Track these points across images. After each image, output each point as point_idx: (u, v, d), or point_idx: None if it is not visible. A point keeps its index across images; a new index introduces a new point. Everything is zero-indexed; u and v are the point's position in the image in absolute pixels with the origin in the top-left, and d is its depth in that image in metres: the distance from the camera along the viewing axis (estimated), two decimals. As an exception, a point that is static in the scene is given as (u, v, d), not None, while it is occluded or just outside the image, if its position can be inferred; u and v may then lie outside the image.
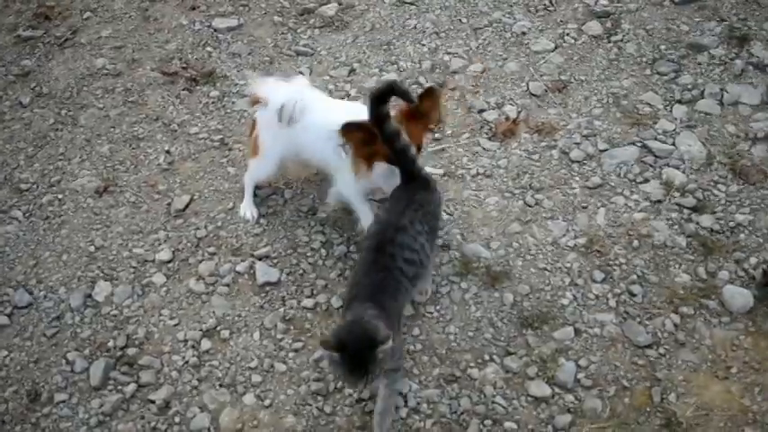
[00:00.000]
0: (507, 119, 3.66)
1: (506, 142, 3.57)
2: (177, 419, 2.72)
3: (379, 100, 2.47)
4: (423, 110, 2.70)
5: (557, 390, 2.62)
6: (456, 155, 3.54)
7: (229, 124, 3.92)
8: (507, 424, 2.55)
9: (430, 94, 2.73)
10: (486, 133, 3.64)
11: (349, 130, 2.65)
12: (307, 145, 3.01)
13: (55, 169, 3.85)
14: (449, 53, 4.12)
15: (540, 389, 2.62)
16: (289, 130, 2.95)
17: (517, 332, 2.80)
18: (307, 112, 2.93)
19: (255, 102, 3.09)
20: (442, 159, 3.51)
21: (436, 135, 3.64)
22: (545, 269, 2.99)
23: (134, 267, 3.28)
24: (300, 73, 3.47)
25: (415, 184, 2.64)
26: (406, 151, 2.57)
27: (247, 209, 3.35)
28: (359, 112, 2.69)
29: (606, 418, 2.54)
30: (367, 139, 2.66)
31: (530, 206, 3.25)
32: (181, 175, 3.68)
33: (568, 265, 2.99)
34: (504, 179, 3.39)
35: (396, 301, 2.45)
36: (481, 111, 3.75)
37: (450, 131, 3.67)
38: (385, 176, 2.82)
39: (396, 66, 4.05)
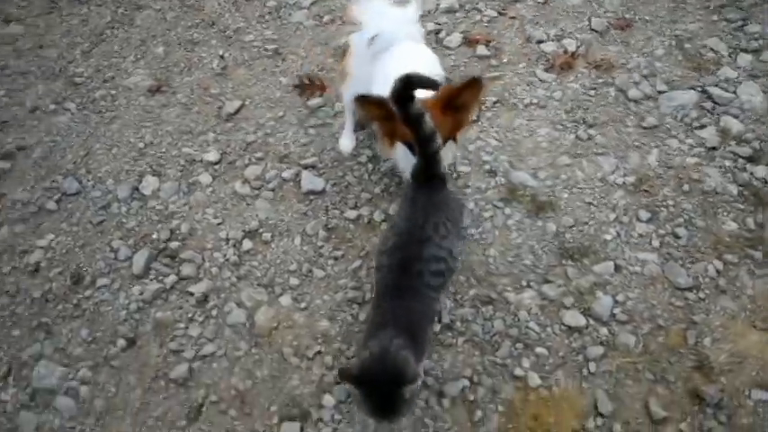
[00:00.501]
0: (566, 52, 3.59)
1: (563, 75, 3.50)
2: (214, 313, 2.78)
3: (401, 99, 2.08)
4: (461, 101, 2.32)
5: (591, 321, 2.62)
6: (510, 83, 3.49)
7: (284, 35, 3.90)
8: (539, 349, 2.55)
9: (473, 84, 2.30)
10: (543, 64, 3.58)
11: (363, 102, 2.33)
12: (375, 85, 2.62)
13: (109, 66, 3.88)
14: (511, -19, 4.02)
15: (574, 319, 2.62)
16: (371, 63, 2.74)
17: (557, 262, 2.78)
18: (388, 51, 2.71)
19: (350, 22, 2.91)
20: (497, 87, 3.45)
21: (492, 62, 3.58)
22: (591, 204, 2.95)
23: (182, 166, 3.32)
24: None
25: (432, 183, 2.30)
26: (429, 141, 2.17)
27: (346, 138, 3.23)
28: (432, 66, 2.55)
29: (638, 353, 2.53)
30: (385, 115, 2.30)
31: (581, 140, 3.20)
32: (233, 81, 3.69)
33: (615, 201, 2.95)
34: (558, 111, 3.34)
35: (426, 323, 2.19)
36: (540, 42, 3.68)
37: (506, 59, 3.61)
38: (406, 158, 2.47)
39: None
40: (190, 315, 2.79)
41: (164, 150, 3.40)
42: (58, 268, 3.03)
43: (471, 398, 2.46)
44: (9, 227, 3.20)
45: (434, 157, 2.23)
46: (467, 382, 2.49)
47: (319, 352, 2.62)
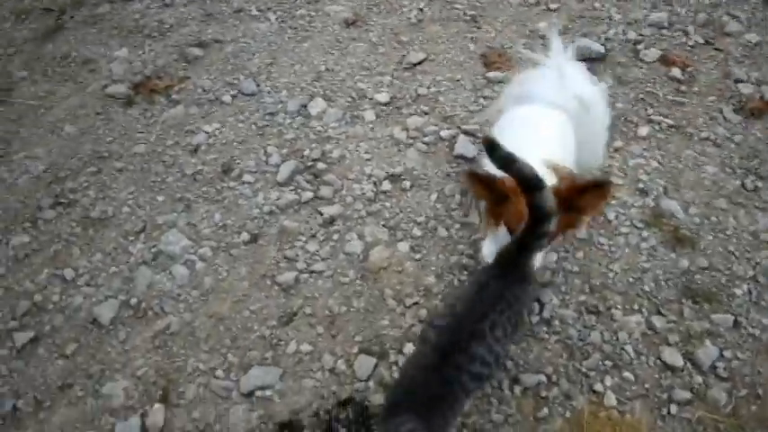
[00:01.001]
0: (762, 98, 3.42)
1: (750, 120, 3.35)
2: (335, 237, 2.95)
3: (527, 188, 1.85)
4: (581, 203, 2.07)
5: (689, 366, 2.56)
6: (693, 112, 3.38)
7: (487, 5, 3.97)
8: (626, 373, 2.53)
9: (600, 188, 2.06)
10: (734, 104, 3.43)
11: (471, 178, 2.12)
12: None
13: (318, -10, 4.11)
14: (729, 14, 3.85)
15: (673, 357, 2.56)
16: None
17: (676, 298, 2.72)
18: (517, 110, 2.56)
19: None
20: (677, 111, 3.36)
21: (682, 87, 3.48)
22: (732, 253, 2.85)
23: (351, 98, 3.50)
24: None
25: (512, 275, 2.06)
26: (540, 236, 1.93)
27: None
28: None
29: (725, 413, 2.45)
30: (494, 197, 2.12)
31: (746, 189, 3.07)
32: (424, 35, 3.81)
33: (758, 260, 2.83)
34: (732, 154, 3.21)
35: (447, 420, 2.00)
36: (738, 81, 3.53)
37: (697, 89, 3.50)
38: (499, 243, 2.20)
39: (670, 6, 3.87)
40: (313, 232, 2.97)
41: (340, 79, 3.58)
42: (213, 155, 3.31)
43: (543, 394, 2.48)
44: (185, 107, 3.53)
45: (532, 251, 2.03)
46: (544, 379, 2.51)
47: (417, 303, 2.73)
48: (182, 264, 2.97)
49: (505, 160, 1.79)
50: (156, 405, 2.57)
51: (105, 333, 2.81)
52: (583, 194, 2.05)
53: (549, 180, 2.01)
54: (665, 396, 2.48)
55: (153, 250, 3.04)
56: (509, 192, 2.04)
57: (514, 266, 2.06)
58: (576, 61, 2.59)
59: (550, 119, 2.46)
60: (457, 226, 2.95)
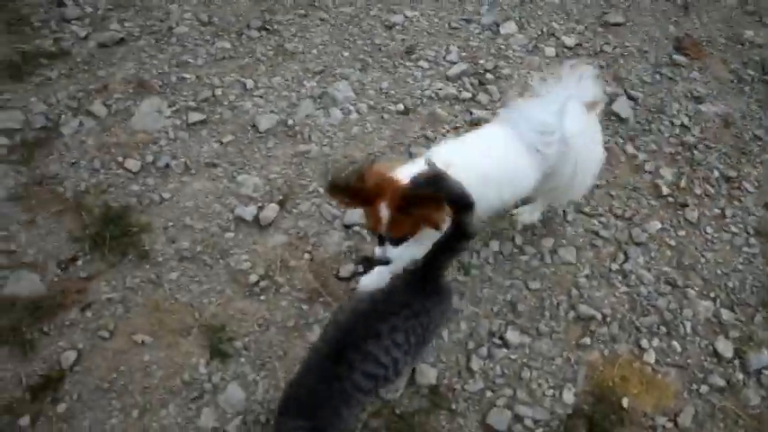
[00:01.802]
0: None
1: None
2: (475, 135, 3.24)
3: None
4: (420, 213, 2.07)
5: (736, 362, 2.68)
6: None
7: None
8: (675, 343, 2.70)
9: (435, 203, 2.01)
10: None
11: (332, 191, 2.12)
12: None
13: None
14: None
15: (725, 348, 2.69)
16: None
17: (754, 304, 2.84)
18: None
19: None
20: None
21: None
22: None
23: (542, 32, 3.74)
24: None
25: (425, 287, 2.05)
26: (457, 252, 2.01)
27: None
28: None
29: (750, 414, 2.55)
30: (359, 202, 2.16)
31: None
32: (632, 2, 3.93)
33: None
34: None
35: (339, 416, 1.97)
36: None
37: None
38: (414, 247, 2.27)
39: None
40: (458, 125, 3.29)
41: (539, 13, 3.83)
42: (403, 36, 3.75)
43: (592, 328, 2.70)
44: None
45: (445, 265, 2.05)
46: (599, 317, 2.72)
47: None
48: (340, 109, 3.38)
49: (435, 179, 1.82)
50: (273, 204, 3.01)
51: (258, 137, 3.28)
52: (419, 205, 2.04)
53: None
54: (701, 376, 2.63)
55: (322, 90, 3.46)
56: (369, 197, 2.09)
57: (430, 278, 2.05)
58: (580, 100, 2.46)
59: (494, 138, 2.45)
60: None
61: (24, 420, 2.48)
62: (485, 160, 2.33)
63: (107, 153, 3.25)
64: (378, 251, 2.28)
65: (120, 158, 3.22)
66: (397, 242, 2.22)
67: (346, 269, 2.80)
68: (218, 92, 3.49)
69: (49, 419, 2.49)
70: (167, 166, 3.19)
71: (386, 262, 2.33)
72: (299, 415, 1.93)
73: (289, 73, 3.59)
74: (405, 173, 2.10)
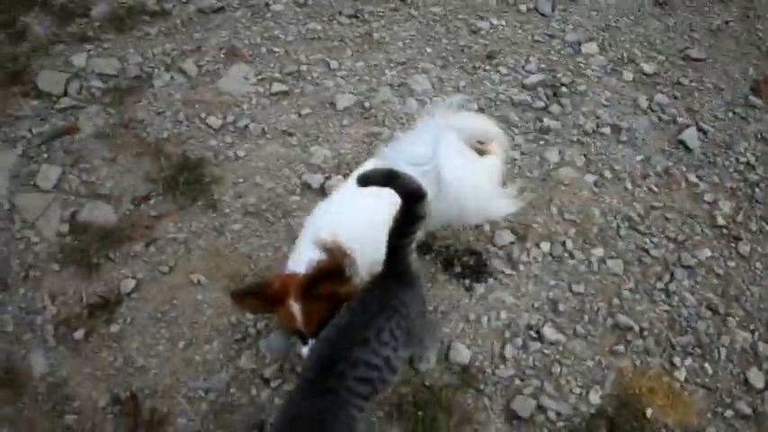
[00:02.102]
0: None
1: None
2: (542, 143, 3.34)
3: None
4: (324, 291, 2.08)
5: (766, 393, 2.70)
6: None
7: (790, 45, 4.04)
8: (707, 365, 2.72)
9: (333, 273, 2.07)
10: None
11: (239, 299, 2.16)
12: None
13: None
14: None
15: (756, 379, 2.70)
16: None
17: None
18: None
19: None
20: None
21: None
22: None
23: (622, 56, 3.84)
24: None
25: (396, 281, 2.05)
26: (408, 235, 1.96)
27: None
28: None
29: (774, 450, 2.60)
30: (266, 306, 2.15)
31: None
32: (717, 41, 4.01)
33: None
34: None
35: (340, 425, 1.94)
36: None
37: None
38: None
39: None
40: (527, 131, 3.39)
41: (622, 38, 3.92)
42: (486, 41, 3.92)
43: (628, 338, 2.76)
44: (490, -5, 4.04)
45: (403, 250, 2.00)
46: (636, 329, 2.78)
47: (572, 216, 3.07)
48: (416, 99, 3.53)
49: (388, 176, 1.81)
50: (340, 176, 3.17)
51: (334, 114, 3.46)
52: (319, 283, 2.05)
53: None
54: (728, 400, 2.66)
55: (401, 80, 3.62)
56: (276, 297, 2.09)
57: (396, 271, 2.05)
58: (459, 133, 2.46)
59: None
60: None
61: (79, 334, 2.68)
62: (363, 214, 2.27)
63: (191, 108, 3.46)
64: (305, 351, 2.17)
65: (203, 115, 3.43)
66: (317, 334, 2.09)
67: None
68: (303, 68, 3.68)
69: (101, 336, 2.68)
70: (246, 127, 3.38)
71: None
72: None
73: (372, 60, 3.76)
74: (300, 264, 2.12)
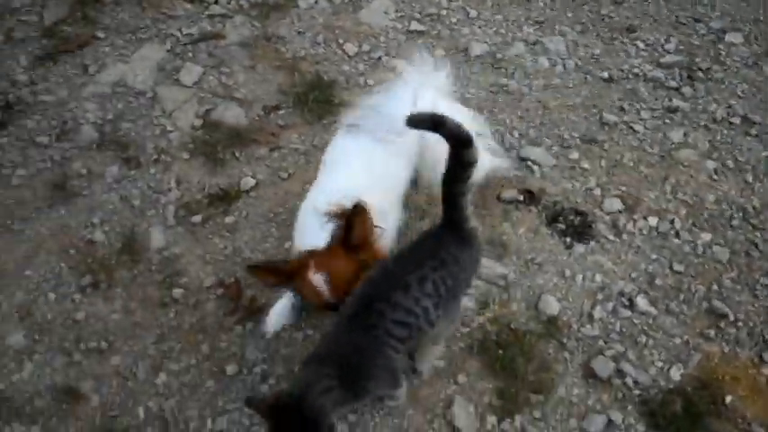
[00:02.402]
0: None
1: None
2: (668, 121, 3.30)
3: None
4: (356, 238, 2.04)
5: None
6: None
7: None
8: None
9: (357, 213, 2.01)
10: None
11: (254, 271, 2.13)
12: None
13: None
14: None
15: None
16: None
17: None
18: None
19: None
20: None
21: None
22: None
23: None
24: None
25: (452, 234, 2.04)
26: (464, 181, 1.93)
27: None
28: None
29: None
30: (280, 280, 2.11)
31: None
32: None
33: None
34: None
35: (373, 368, 2.01)
36: None
37: None
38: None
39: None
40: (655, 107, 3.37)
41: None
42: (631, 15, 3.75)
43: (721, 325, 2.74)
44: None
45: (460, 206, 1.99)
46: (732, 317, 2.75)
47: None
48: (548, 59, 3.55)
49: (435, 122, 1.80)
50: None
51: (465, 60, 3.61)
52: (350, 230, 2.01)
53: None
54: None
55: (537, 38, 3.65)
56: (294, 271, 2.05)
57: (453, 227, 2.04)
58: (444, 90, 2.47)
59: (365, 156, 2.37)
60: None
61: (197, 218, 2.89)
62: (361, 171, 2.32)
63: (331, 33, 3.60)
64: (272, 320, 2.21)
65: (341, 41, 3.56)
66: (343, 300, 2.05)
67: (509, 193, 2.98)
68: (443, 12, 3.75)
69: (216, 225, 2.87)
70: (379, 59, 3.48)
71: None
72: (326, 363, 1.93)
73: (511, 15, 3.79)
74: (307, 239, 2.13)
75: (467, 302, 2.71)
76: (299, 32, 3.60)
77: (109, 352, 2.65)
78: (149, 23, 3.67)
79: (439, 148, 2.10)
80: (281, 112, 3.28)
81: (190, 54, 3.50)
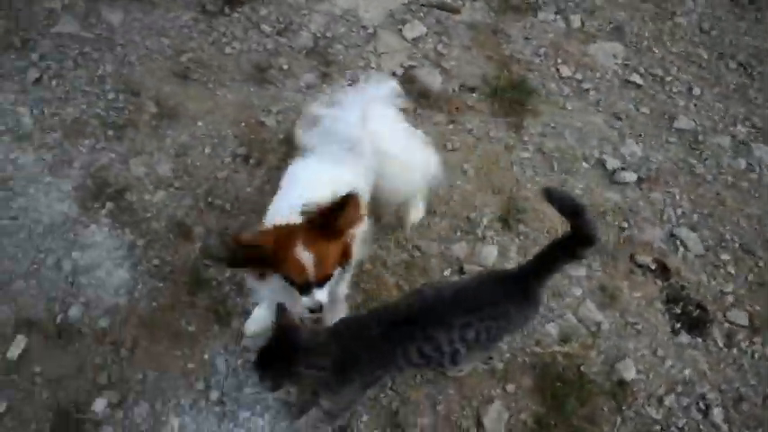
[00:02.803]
0: None
1: None
2: None
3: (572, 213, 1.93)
4: (341, 223, 1.98)
5: None
6: None
7: None
8: None
9: (348, 201, 1.95)
10: None
11: (241, 242, 2.01)
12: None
13: None
14: None
15: None
16: None
17: None
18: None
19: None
20: None
21: None
22: None
23: None
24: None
25: (521, 288, 2.06)
26: (564, 263, 2.04)
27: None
28: None
29: None
30: (259, 257, 1.99)
31: None
32: None
33: None
34: None
35: (370, 370, 2.08)
36: None
37: None
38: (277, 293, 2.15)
39: None
40: None
41: None
42: None
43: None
44: None
45: (547, 273, 2.06)
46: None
47: None
48: (747, 162, 3.44)
49: (576, 210, 1.88)
50: (632, 182, 3.21)
51: (666, 126, 3.52)
52: (337, 215, 1.96)
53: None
54: None
55: (746, 139, 3.55)
56: (277, 251, 1.97)
57: (532, 284, 2.07)
58: (388, 106, 2.40)
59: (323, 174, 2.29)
60: None
61: None
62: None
63: (554, 50, 3.82)
64: (305, 301, 2.09)
65: (560, 61, 3.79)
66: (323, 282, 2.07)
67: (644, 258, 2.99)
68: (668, 78, 3.76)
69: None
70: (587, 90, 3.55)
71: (319, 309, 2.12)
72: (323, 353, 1.99)
73: (732, 108, 3.66)
74: (282, 212, 2.11)
75: (550, 328, 2.74)
76: (526, 38, 3.73)
77: (229, 214, 2.93)
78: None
79: (397, 161, 2.37)
80: (474, 95, 3.43)
81: (421, 14, 3.73)
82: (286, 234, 1.98)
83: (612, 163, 3.26)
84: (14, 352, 2.56)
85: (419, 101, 3.35)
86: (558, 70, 3.63)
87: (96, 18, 3.54)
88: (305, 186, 2.22)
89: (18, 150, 3.05)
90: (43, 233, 2.83)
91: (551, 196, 1.92)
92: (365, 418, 2.52)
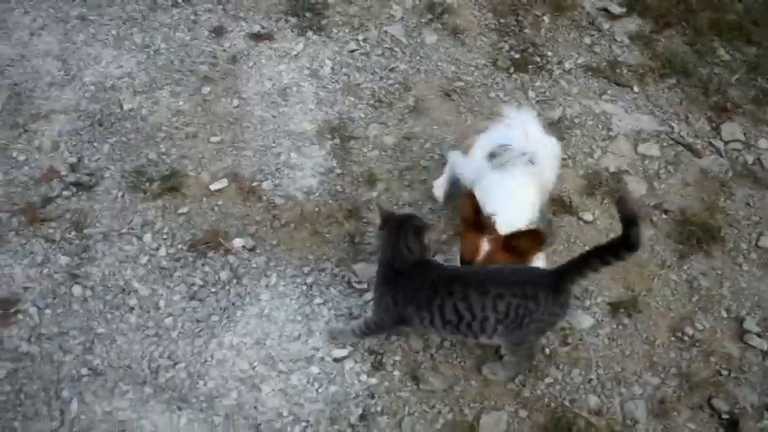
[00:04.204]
0: None
1: None
2: None
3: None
4: (520, 247, 2.48)
5: None
6: None
7: None
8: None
9: (533, 236, 2.49)
10: None
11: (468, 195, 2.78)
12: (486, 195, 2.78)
13: None
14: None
15: None
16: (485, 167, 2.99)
17: None
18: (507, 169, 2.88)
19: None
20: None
21: None
22: None
23: None
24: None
25: (552, 282, 2.35)
26: (605, 262, 2.25)
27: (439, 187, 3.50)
28: None
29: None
30: (471, 219, 2.55)
31: None
32: None
33: None
34: None
35: (401, 315, 2.51)
36: None
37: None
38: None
39: None
40: None
41: None
42: None
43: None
44: None
45: (587, 271, 2.29)
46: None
47: None
48: None
49: (634, 218, 2.11)
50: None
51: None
52: (519, 239, 2.45)
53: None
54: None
55: None
56: (483, 225, 2.50)
57: (565, 278, 2.36)
58: (534, 121, 2.97)
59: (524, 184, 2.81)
60: None
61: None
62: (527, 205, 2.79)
63: None
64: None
65: None
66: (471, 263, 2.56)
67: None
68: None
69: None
70: None
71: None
72: (403, 252, 2.49)
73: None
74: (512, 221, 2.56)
75: (591, 397, 2.87)
76: (747, 204, 3.76)
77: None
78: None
79: (550, 162, 2.98)
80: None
81: (665, 144, 3.97)
82: (496, 238, 2.51)
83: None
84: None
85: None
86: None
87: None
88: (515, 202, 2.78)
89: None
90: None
91: (623, 205, 2.21)
92: (398, 356, 2.92)
